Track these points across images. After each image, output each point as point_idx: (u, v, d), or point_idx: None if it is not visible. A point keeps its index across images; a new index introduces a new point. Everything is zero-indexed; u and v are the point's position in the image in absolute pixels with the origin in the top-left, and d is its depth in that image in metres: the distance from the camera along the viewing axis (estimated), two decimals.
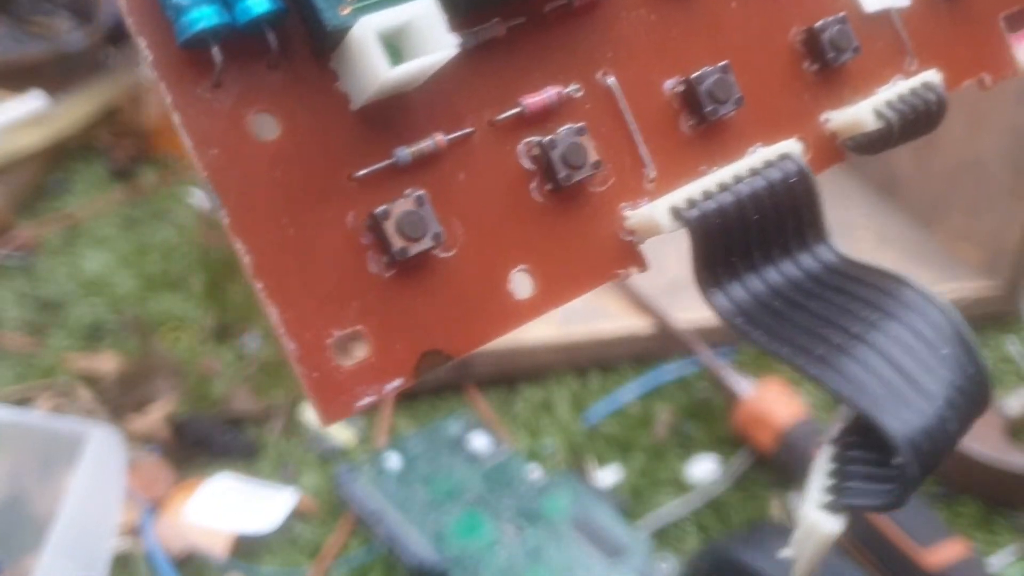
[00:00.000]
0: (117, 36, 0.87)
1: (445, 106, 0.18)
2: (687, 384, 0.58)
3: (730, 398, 0.54)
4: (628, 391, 0.57)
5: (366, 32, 0.16)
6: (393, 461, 0.51)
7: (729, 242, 0.19)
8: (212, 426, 0.54)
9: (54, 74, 0.79)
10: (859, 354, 0.19)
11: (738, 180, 0.20)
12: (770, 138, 0.21)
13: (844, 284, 0.20)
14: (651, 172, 0.20)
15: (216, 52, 0.16)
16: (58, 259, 0.68)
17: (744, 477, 0.53)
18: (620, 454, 0.54)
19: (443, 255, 0.18)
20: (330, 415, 0.17)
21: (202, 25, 0.15)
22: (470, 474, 0.51)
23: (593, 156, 0.19)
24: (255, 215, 0.17)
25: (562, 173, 0.19)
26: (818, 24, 0.22)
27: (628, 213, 0.20)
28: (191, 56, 0.16)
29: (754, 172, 0.20)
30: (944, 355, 0.19)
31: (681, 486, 0.53)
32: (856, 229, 0.69)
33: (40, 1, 0.89)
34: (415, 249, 0.17)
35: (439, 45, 0.16)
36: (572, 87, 0.20)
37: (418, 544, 0.47)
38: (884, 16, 0.23)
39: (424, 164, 0.18)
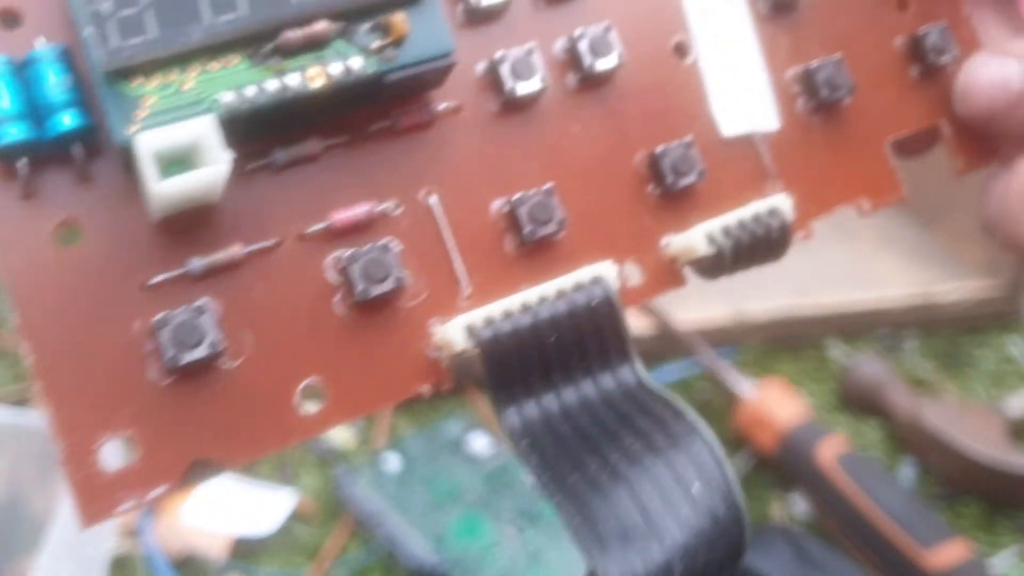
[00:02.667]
0: None
1: (253, 218, 0.19)
2: (688, 385, 0.58)
3: (731, 399, 0.55)
4: None
5: (143, 149, 0.17)
6: (393, 462, 0.51)
7: (525, 363, 0.19)
8: None
9: None
10: (608, 487, 0.18)
11: (543, 301, 0.19)
12: (602, 258, 0.21)
13: (628, 409, 0.19)
14: (466, 289, 0.20)
15: (23, 165, 0.17)
16: None
17: (745, 478, 0.53)
18: None
19: (226, 365, 0.18)
20: (87, 519, 0.17)
21: (11, 139, 0.17)
22: (470, 475, 0.51)
23: (396, 271, 0.19)
24: (44, 319, 0.17)
25: (359, 287, 0.19)
26: (660, 149, 0.22)
27: (436, 329, 0.20)
28: (2, 166, 0.17)
29: (561, 295, 0.20)
30: (694, 494, 0.18)
31: None
32: (858, 228, 0.69)
33: None
34: (187, 358, 0.17)
35: (214, 161, 0.17)
36: (389, 204, 0.20)
37: (418, 546, 0.47)
38: (745, 139, 0.23)
39: (219, 274, 0.18)
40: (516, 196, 0.21)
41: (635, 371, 0.20)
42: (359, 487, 0.50)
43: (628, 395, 0.20)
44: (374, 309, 0.19)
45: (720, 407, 0.56)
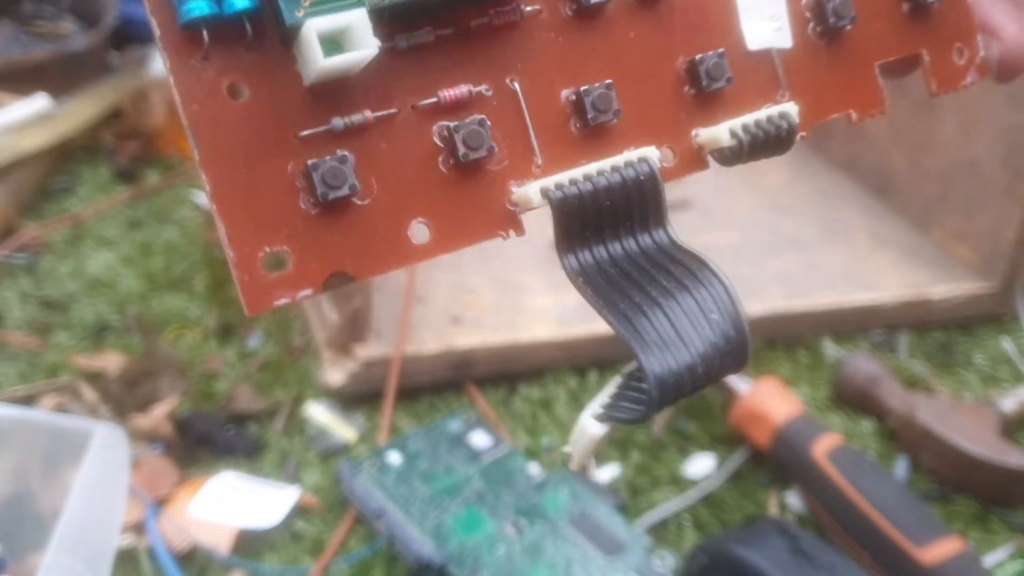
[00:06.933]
0: (120, 39, 0.88)
1: (379, 90, 0.24)
2: None
3: (727, 396, 0.55)
4: None
5: (310, 31, 0.21)
6: (394, 458, 0.52)
7: (584, 220, 0.25)
8: (215, 424, 0.55)
9: (58, 76, 0.80)
10: (648, 310, 0.24)
11: (601, 173, 0.25)
12: (645, 143, 0.26)
13: (662, 260, 0.25)
14: (539, 159, 0.25)
15: (205, 34, 0.22)
16: (62, 259, 0.69)
17: (741, 474, 0.54)
18: (618, 451, 0.55)
19: (359, 202, 0.23)
20: (252, 308, 0.22)
21: (196, 13, 0.21)
22: (470, 471, 0.51)
23: (488, 142, 0.24)
24: (219, 156, 0.22)
25: (461, 151, 0.24)
26: (698, 56, 0.27)
27: (514, 189, 0.25)
28: (188, 35, 0.22)
29: (615, 169, 0.25)
30: (713, 319, 0.24)
31: (679, 483, 0.53)
32: (852, 230, 0.70)
33: (44, 5, 0.89)
34: (333, 195, 0.23)
35: (364, 45, 0.22)
36: (483, 87, 0.25)
37: (419, 540, 0.47)
38: (765, 53, 0.28)
39: (354, 132, 0.23)
40: (582, 88, 0.26)
41: (668, 233, 0.25)
42: (361, 482, 0.50)
43: (663, 250, 0.25)
44: (469, 170, 0.24)
45: (716, 404, 0.57)
